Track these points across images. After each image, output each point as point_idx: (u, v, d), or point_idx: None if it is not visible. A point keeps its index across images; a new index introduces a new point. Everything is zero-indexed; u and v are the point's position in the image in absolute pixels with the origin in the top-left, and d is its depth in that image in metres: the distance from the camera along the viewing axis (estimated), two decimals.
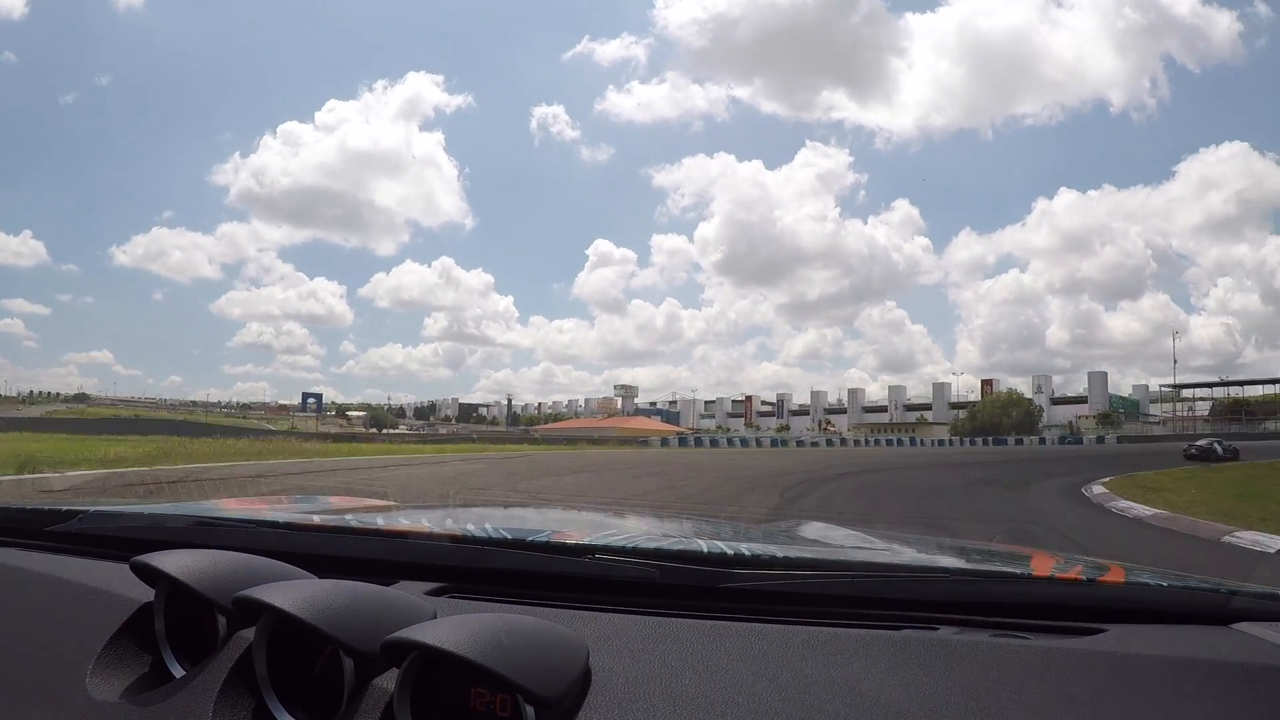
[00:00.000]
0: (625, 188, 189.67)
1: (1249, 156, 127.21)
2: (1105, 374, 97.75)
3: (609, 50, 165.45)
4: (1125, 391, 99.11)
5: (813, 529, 1.54)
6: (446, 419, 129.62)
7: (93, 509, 1.23)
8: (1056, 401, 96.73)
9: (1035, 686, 0.70)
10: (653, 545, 0.99)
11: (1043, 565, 1.09)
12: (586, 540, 1.00)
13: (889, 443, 62.24)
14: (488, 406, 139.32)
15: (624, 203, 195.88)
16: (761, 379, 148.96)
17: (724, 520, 2.03)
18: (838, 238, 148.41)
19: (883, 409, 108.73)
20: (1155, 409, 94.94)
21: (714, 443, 52.76)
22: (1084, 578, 0.97)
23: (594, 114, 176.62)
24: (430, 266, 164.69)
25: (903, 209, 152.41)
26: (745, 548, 1.00)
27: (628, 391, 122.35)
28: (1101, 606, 0.89)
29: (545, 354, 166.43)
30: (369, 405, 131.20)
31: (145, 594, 0.86)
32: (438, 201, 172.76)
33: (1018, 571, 1.04)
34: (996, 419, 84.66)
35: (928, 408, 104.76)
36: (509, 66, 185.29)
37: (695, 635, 0.80)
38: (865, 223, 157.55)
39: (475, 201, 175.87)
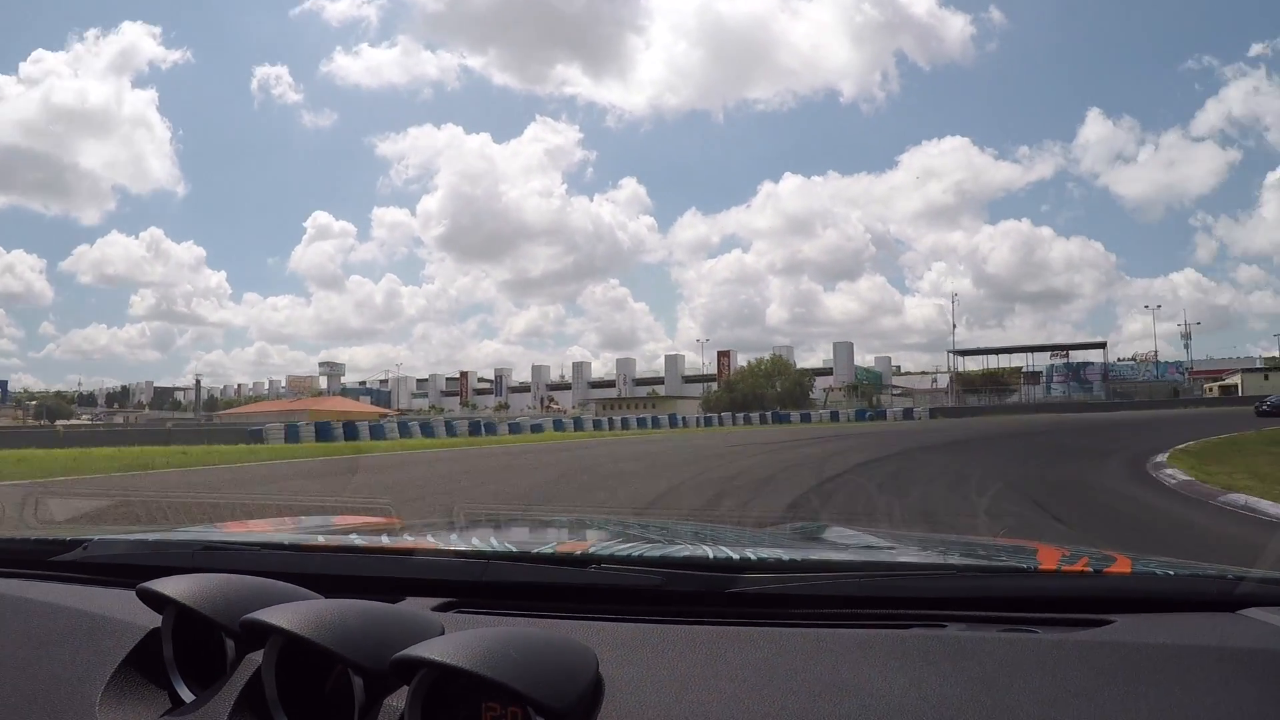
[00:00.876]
0: (348, 157, 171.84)
1: (969, 151, 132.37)
2: (851, 345, 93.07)
3: (339, 8, 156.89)
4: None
5: (819, 530, 1.55)
6: (140, 405, 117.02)
7: (96, 537, 1.23)
8: (800, 373, 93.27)
9: (1045, 680, 0.70)
10: (658, 553, 1.00)
11: (1049, 558, 1.09)
12: (591, 550, 1.02)
13: (639, 423, 44.99)
14: (184, 390, 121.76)
15: (346, 173, 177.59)
16: (483, 357, 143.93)
17: (729, 524, 2.11)
18: (564, 214, 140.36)
19: (610, 384, 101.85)
20: (898, 380, 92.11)
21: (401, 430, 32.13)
22: (1091, 569, 0.99)
23: (319, 77, 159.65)
24: (138, 238, 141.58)
25: (630, 187, 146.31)
26: (751, 552, 1.01)
27: (333, 369, 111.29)
28: (1109, 597, 0.90)
29: (260, 333, 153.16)
30: (61, 394, 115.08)
31: (152, 620, 0.86)
32: (148, 166, 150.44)
33: (1024, 565, 1.05)
34: (760, 390, 76.83)
35: (659, 381, 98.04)
36: (233, 20, 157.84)
37: (703, 641, 0.81)
38: (592, 200, 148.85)
39: (188, 167, 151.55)
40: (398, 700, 0.70)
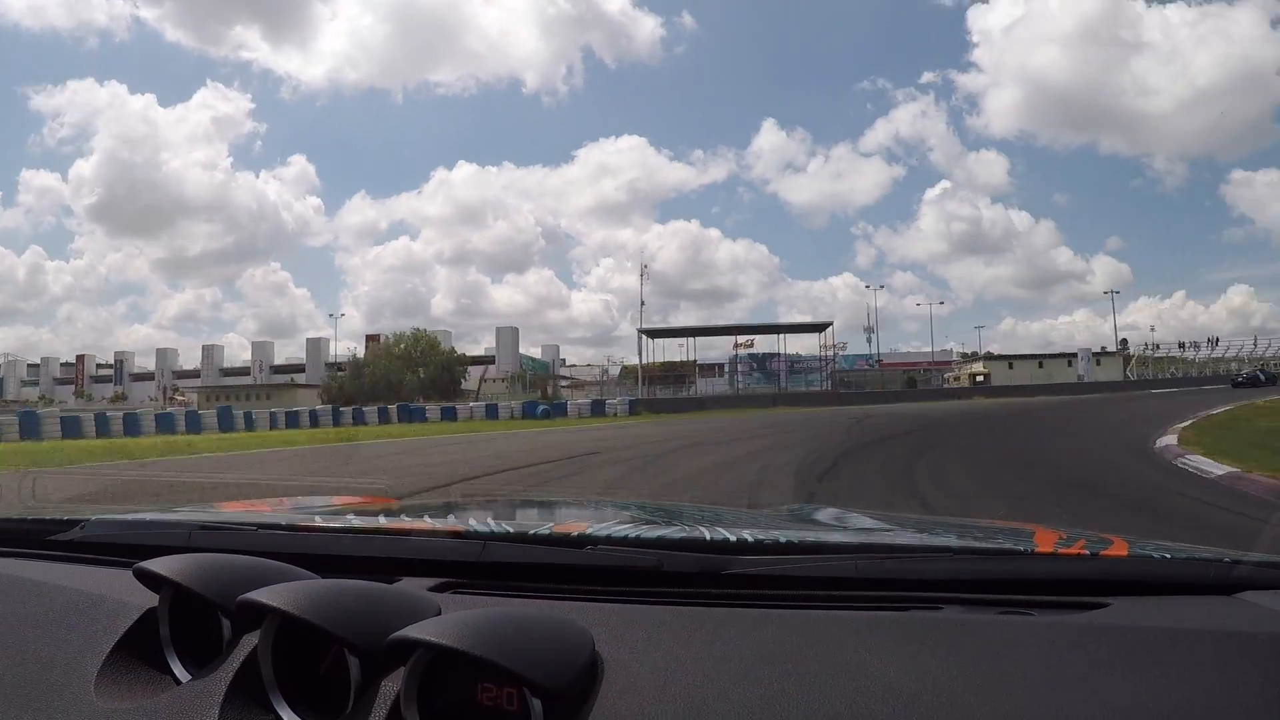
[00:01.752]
0: None
1: (646, 150, 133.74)
2: (516, 330, 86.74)
3: None
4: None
5: (815, 512, 1.55)
6: None
7: (94, 517, 1.24)
8: (462, 361, 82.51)
9: (1040, 663, 0.70)
10: (655, 534, 1.00)
11: (1046, 541, 1.09)
12: (589, 531, 1.01)
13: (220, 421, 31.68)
14: None
15: None
16: (132, 343, 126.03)
17: (726, 507, 2.05)
18: (227, 190, 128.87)
19: (245, 371, 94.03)
20: (578, 373, 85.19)
21: None
22: (1087, 552, 0.98)
23: None
24: None
25: (299, 165, 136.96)
26: (748, 533, 1.01)
27: None
28: (1105, 580, 0.91)
29: None
30: None
31: (149, 600, 0.86)
32: None
33: (1021, 548, 1.04)
34: (395, 377, 60.27)
35: (300, 369, 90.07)
36: None
37: (700, 622, 0.81)
38: (258, 176, 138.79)
39: None
40: (394, 680, 0.70)
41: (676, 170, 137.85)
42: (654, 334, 63.06)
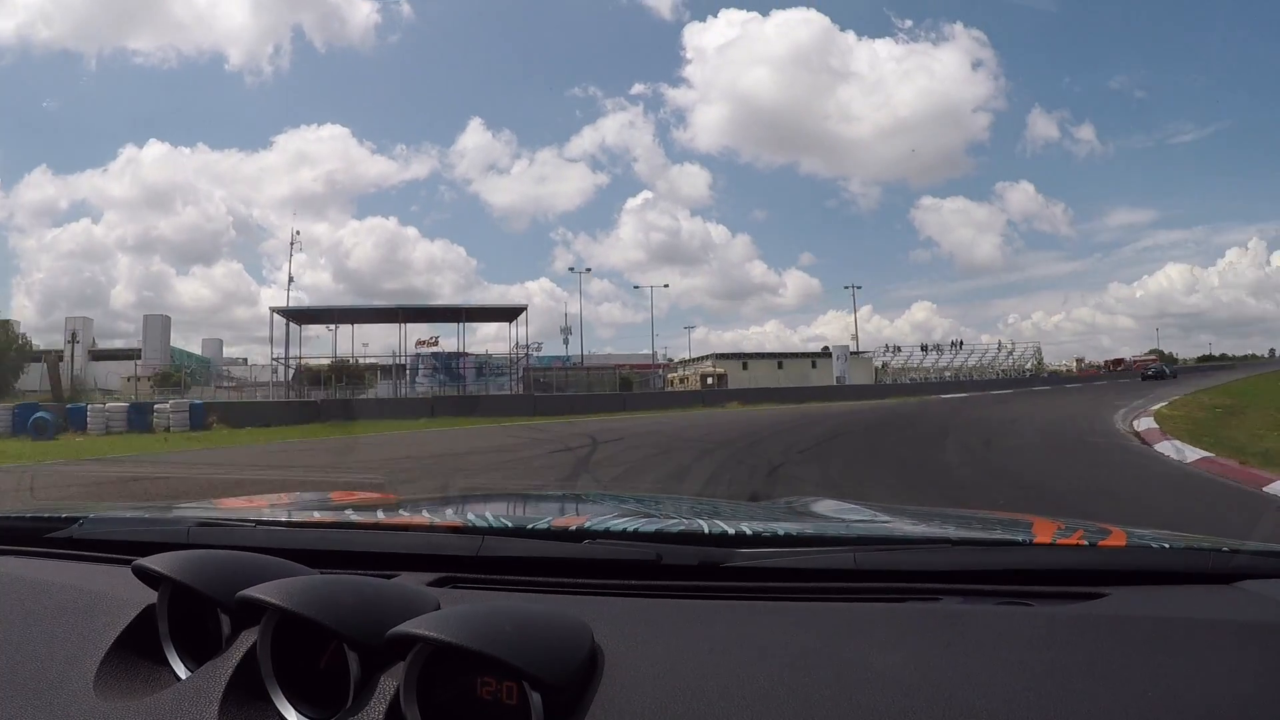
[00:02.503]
0: None
1: (348, 141, 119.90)
2: (168, 318, 71.66)
3: None
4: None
5: (814, 504, 1.53)
6: None
7: (92, 514, 1.24)
8: (99, 356, 68.47)
9: (1039, 653, 0.71)
10: (653, 527, 1.00)
11: (1044, 531, 1.09)
12: (587, 524, 1.02)
13: None
14: None
15: None
16: None
17: (724, 500, 2.03)
18: None
19: None
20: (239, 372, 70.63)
21: None
22: (1086, 542, 0.98)
23: None
24: None
25: None
26: (746, 526, 1.01)
27: None
28: (1104, 570, 0.91)
29: None
30: None
31: (148, 597, 0.86)
32: None
33: (1019, 538, 1.05)
34: None
35: None
36: None
37: (699, 615, 0.81)
38: None
39: None
40: (394, 675, 0.69)
41: (378, 164, 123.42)
42: (292, 316, 44.36)
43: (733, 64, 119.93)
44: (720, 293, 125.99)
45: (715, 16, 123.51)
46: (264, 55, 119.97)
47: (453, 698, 0.68)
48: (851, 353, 63.14)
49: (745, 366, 61.48)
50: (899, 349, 71.95)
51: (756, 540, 0.96)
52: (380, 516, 1.19)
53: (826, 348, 64.55)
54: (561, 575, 0.94)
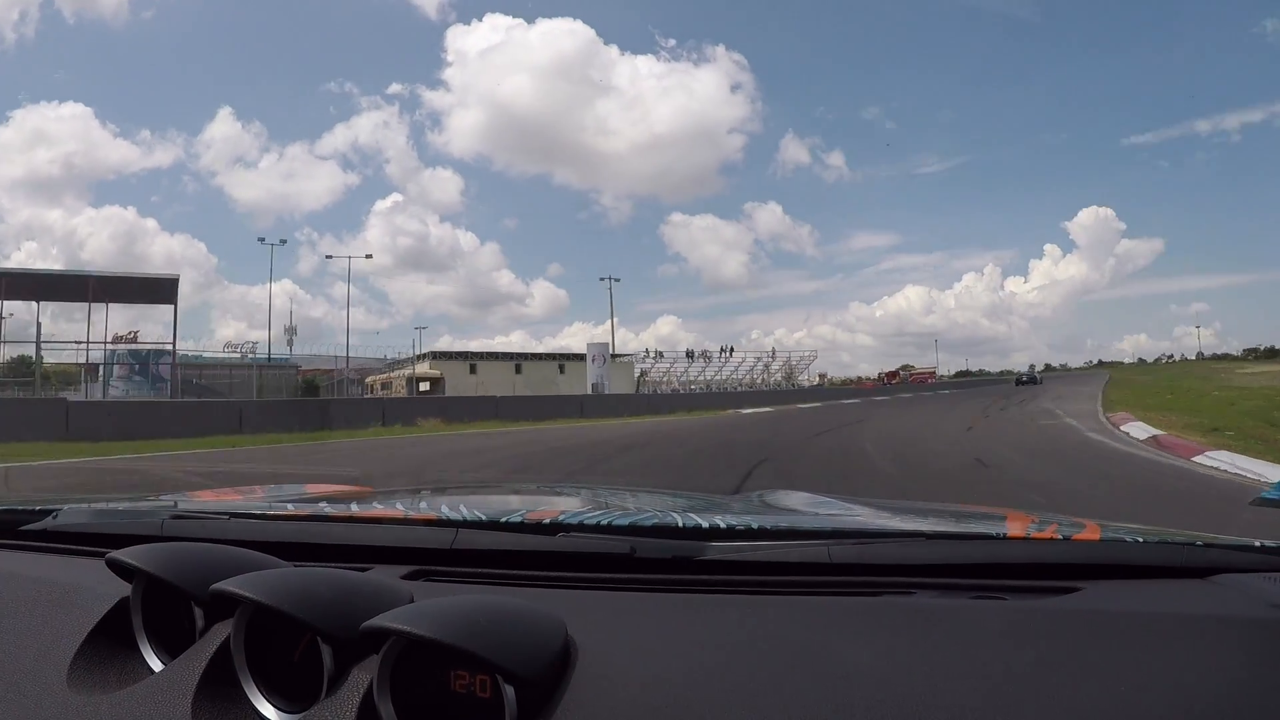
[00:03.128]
0: None
1: (90, 122, 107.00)
2: None
3: None
4: None
5: (787, 498, 1.53)
6: None
7: (66, 506, 1.23)
8: None
9: (1014, 646, 0.71)
10: (627, 520, 1.00)
11: (1018, 525, 1.09)
12: (561, 518, 1.02)
13: None
14: None
15: None
16: None
17: (699, 493, 1.96)
18: None
19: None
20: None
21: None
22: (1059, 536, 0.98)
23: None
24: None
25: None
26: (720, 519, 1.01)
27: None
28: (1078, 564, 0.91)
29: None
30: None
31: (122, 589, 0.86)
32: None
33: (993, 532, 1.04)
34: None
35: None
36: None
37: (673, 608, 0.81)
38: None
39: None
40: (367, 668, 0.69)
41: (120, 149, 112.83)
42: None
43: (493, 69, 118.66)
44: (467, 300, 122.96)
45: (480, 20, 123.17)
46: (8, 22, 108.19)
47: (426, 691, 0.68)
48: (612, 355, 50.74)
49: (474, 370, 50.19)
50: (660, 354, 64.88)
51: (730, 534, 0.96)
52: (354, 509, 1.19)
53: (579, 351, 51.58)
54: (536, 568, 0.94)
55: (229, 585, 0.72)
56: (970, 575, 0.87)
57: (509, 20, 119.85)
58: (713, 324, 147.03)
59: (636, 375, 59.13)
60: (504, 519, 1.03)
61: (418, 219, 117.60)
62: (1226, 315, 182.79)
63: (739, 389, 58.75)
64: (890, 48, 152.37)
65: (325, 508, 1.17)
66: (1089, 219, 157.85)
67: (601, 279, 60.07)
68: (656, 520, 1.03)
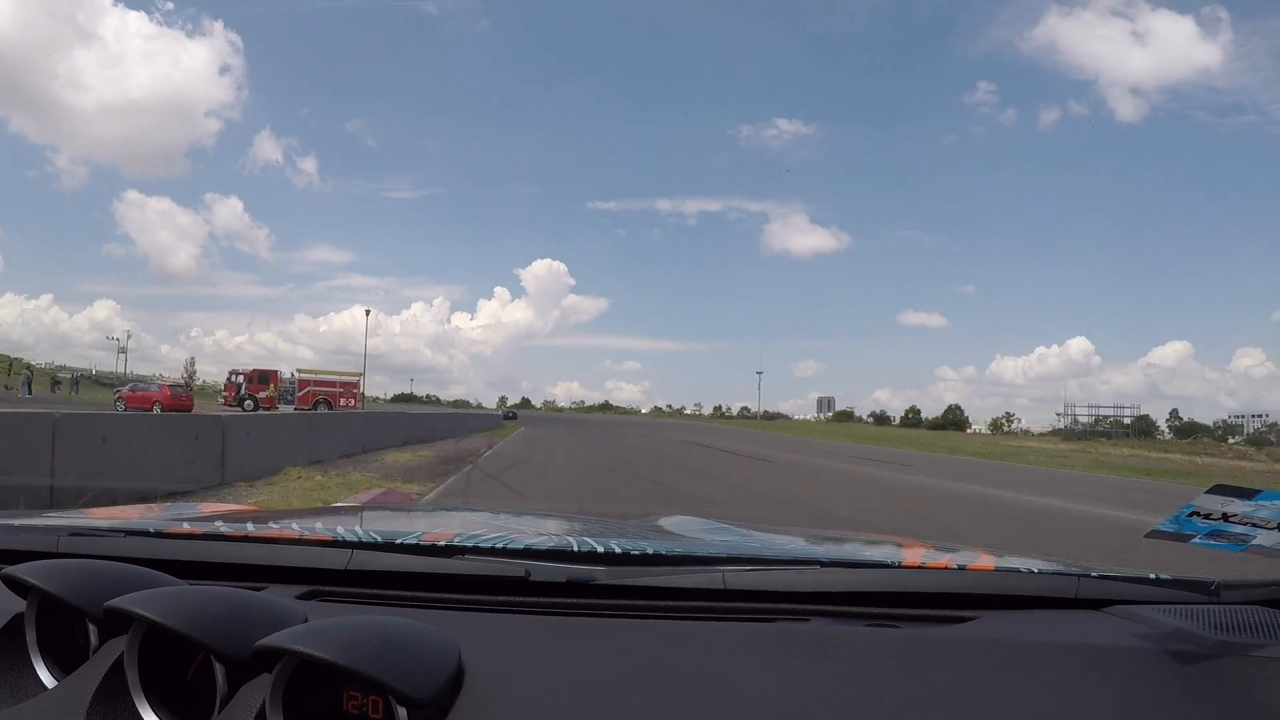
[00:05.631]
0: None
1: None
2: None
3: None
4: None
5: (685, 524, 1.54)
6: None
7: None
8: None
9: (906, 674, 0.73)
10: (523, 544, 1.01)
11: (914, 554, 1.12)
12: (456, 540, 1.02)
13: None
14: None
15: None
16: None
17: (597, 518, 1.93)
18: None
19: None
20: None
21: None
22: (954, 565, 1.00)
23: None
24: None
25: None
26: (616, 544, 1.02)
27: None
28: (972, 594, 0.93)
29: None
30: None
31: (16, 605, 0.85)
32: None
33: (889, 560, 1.07)
34: None
35: None
36: None
37: (567, 632, 0.82)
38: None
39: None
40: (260, 687, 0.70)
41: None
42: None
43: None
44: None
45: None
46: None
47: (319, 711, 0.68)
48: None
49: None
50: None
51: (625, 559, 0.97)
52: (250, 528, 1.18)
53: None
54: (431, 590, 0.95)
55: (123, 603, 0.72)
56: (866, 603, 0.89)
57: None
58: (154, 315, 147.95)
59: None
60: (400, 540, 1.03)
61: None
62: (654, 375, 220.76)
63: None
64: (389, 67, 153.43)
65: (221, 526, 1.17)
66: (542, 270, 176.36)
67: None
68: (552, 544, 1.04)
